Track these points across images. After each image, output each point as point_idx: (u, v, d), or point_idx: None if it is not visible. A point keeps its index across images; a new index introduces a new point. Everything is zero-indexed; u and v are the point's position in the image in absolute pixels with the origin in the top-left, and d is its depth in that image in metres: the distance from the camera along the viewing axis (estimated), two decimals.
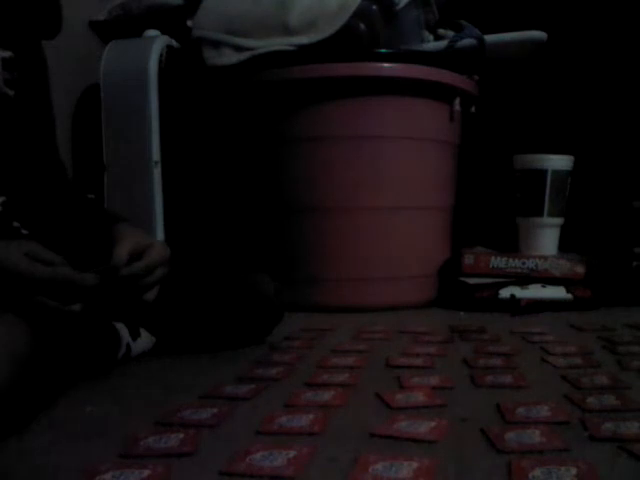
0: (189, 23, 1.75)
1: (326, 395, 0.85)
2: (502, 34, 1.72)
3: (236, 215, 1.77)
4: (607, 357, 1.09)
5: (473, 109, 1.80)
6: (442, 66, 1.64)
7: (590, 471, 0.59)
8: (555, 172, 1.74)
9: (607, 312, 1.59)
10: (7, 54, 0.94)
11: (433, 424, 0.72)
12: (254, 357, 1.08)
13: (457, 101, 1.69)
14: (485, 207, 1.96)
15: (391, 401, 0.82)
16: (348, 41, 1.59)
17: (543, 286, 1.67)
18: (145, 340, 1.07)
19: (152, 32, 1.73)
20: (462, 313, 1.60)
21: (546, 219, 1.76)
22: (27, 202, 0.94)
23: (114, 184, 1.68)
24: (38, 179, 0.98)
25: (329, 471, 0.61)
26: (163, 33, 1.73)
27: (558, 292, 1.65)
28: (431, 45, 1.73)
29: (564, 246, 1.80)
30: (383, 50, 1.62)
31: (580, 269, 1.69)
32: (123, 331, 1.03)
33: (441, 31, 1.77)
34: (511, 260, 1.70)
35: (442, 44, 1.70)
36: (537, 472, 0.58)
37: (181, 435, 0.69)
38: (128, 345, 1.03)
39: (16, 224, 0.91)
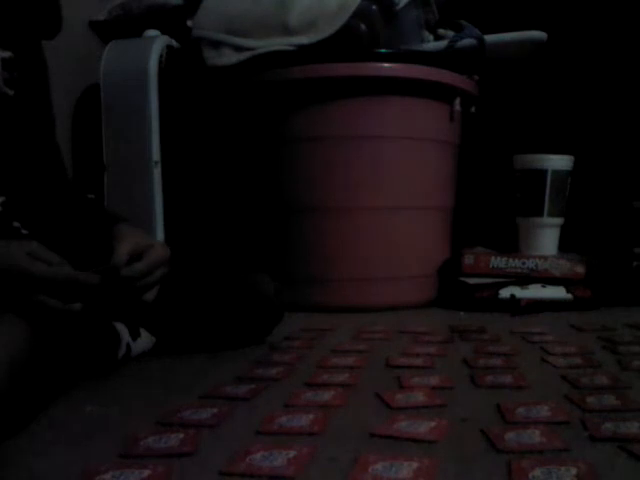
0: (189, 23, 1.75)
1: (326, 395, 0.85)
2: (502, 34, 1.72)
3: (236, 215, 1.77)
4: (607, 357, 1.09)
5: (473, 109, 1.80)
6: (442, 66, 1.64)
7: (590, 471, 0.59)
8: (555, 172, 1.74)
9: (607, 312, 1.59)
10: (7, 54, 0.94)
11: (433, 424, 0.72)
12: (254, 357, 1.08)
13: (457, 101, 1.69)
14: (485, 207, 1.96)
15: (391, 401, 0.82)
16: (348, 41, 1.59)
17: (543, 286, 1.67)
18: (145, 340, 1.07)
19: (152, 32, 1.73)
20: (462, 313, 1.60)
21: (546, 219, 1.76)
22: (27, 202, 0.94)
23: (114, 184, 1.68)
24: (38, 179, 0.98)
25: (329, 471, 0.61)
26: (163, 33, 1.73)
27: (558, 292, 1.65)
28: (431, 45, 1.73)
29: (564, 246, 1.79)
30: (383, 50, 1.62)
31: (580, 269, 1.69)
32: (123, 331, 1.03)
33: (441, 31, 1.77)
34: (511, 260, 1.70)
35: (442, 44, 1.70)
36: (537, 472, 0.59)
37: (181, 435, 0.69)
38: (128, 345, 1.03)
39: (16, 224, 0.91)
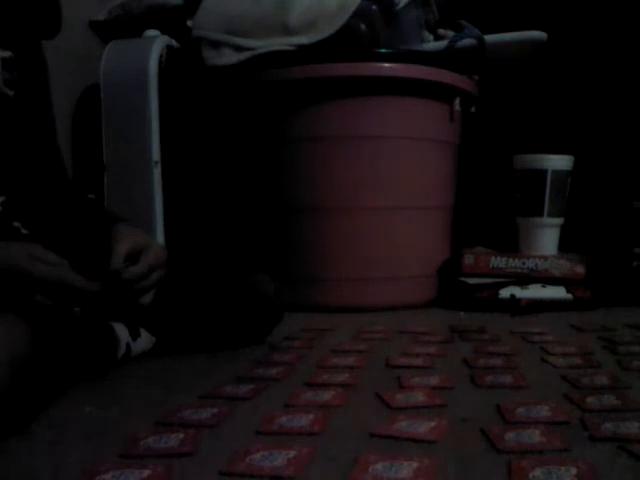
0: (189, 23, 1.75)
1: (326, 395, 0.85)
2: (502, 34, 1.72)
3: (236, 215, 1.77)
4: (607, 357, 1.09)
5: (473, 109, 1.80)
6: (442, 66, 1.64)
7: (590, 471, 0.59)
8: (555, 172, 1.74)
9: (607, 312, 1.59)
10: (7, 54, 0.94)
11: (433, 424, 0.72)
12: (254, 357, 1.08)
13: (457, 101, 1.69)
14: (485, 207, 1.96)
15: (391, 401, 0.82)
16: (348, 41, 1.59)
17: (543, 286, 1.67)
18: (145, 340, 1.07)
19: (152, 32, 1.73)
20: (462, 313, 1.60)
21: (546, 219, 1.76)
22: (27, 202, 0.94)
23: (114, 184, 1.68)
24: (38, 179, 0.98)
25: (329, 471, 0.61)
26: (163, 33, 1.73)
27: (558, 292, 1.65)
28: (431, 45, 1.73)
29: (564, 246, 1.80)
30: (383, 50, 1.62)
31: (580, 269, 1.69)
32: (123, 331, 1.03)
33: (441, 31, 1.77)
34: (511, 260, 1.70)
35: (442, 44, 1.70)
36: (537, 472, 0.59)
37: (181, 435, 0.69)
38: (128, 345, 1.02)
39: (16, 224, 0.91)
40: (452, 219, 1.82)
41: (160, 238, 1.63)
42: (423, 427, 0.71)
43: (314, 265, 1.65)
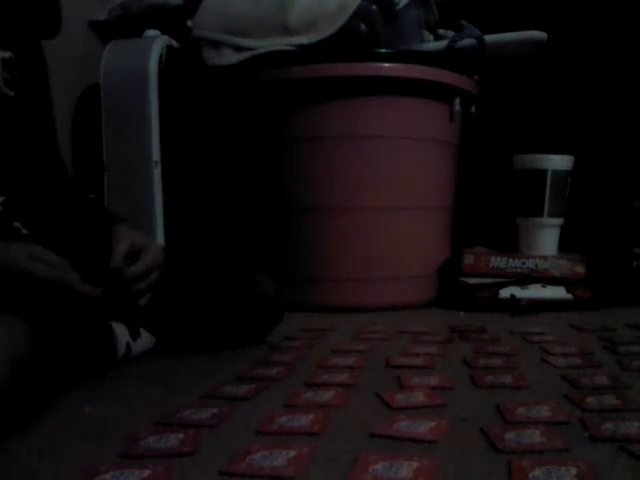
0: (189, 23, 1.75)
1: (326, 395, 0.85)
2: (502, 34, 1.72)
3: (236, 215, 1.77)
4: (607, 357, 1.09)
5: (473, 109, 1.80)
6: (442, 66, 1.64)
7: (590, 471, 0.59)
8: (555, 172, 1.74)
9: (607, 312, 1.59)
10: (7, 54, 0.94)
11: (433, 424, 0.72)
12: (254, 357, 1.08)
13: (457, 101, 1.69)
14: (485, 207, 1.96)
15: (391, 401, 0.82)
16: (348, 41, 1.59)
17: (543, 286, 1.67)
18: (145, 340, 1.07)
19: (152, 32, 1.73)
20: (462, 313, 1.60)
21: (546, 219, 1.76)
22: (27, 202, 0.94)
23: (114, 184, 1.68)
24: (38, 179, 0.99)
25: (329, 471, 0.61)
26: (163, 33, 1.73)
27: (558, 292, 1.65)
28: (431, 45, 1.73)
29: (564, 246, 1.80)
30: (383, 50, 1.62)
31: (580, 269, 1.69)
32: (123, 331, 1.03)
33: (441, 31, 1.77)
34: (511, 260, 1.70)
35: (442, 44, 1.70)
36: (537, 472, 0.59)
37: (181, 435, 0.69)
38: (128, 345, 1.02)
39: (16, 224, 0.92)
40: (452, 219, 1.81)
41: (160, 238, 1.63)
42: (423, 427, 0.71)
43: (314, 265, 1.65)
